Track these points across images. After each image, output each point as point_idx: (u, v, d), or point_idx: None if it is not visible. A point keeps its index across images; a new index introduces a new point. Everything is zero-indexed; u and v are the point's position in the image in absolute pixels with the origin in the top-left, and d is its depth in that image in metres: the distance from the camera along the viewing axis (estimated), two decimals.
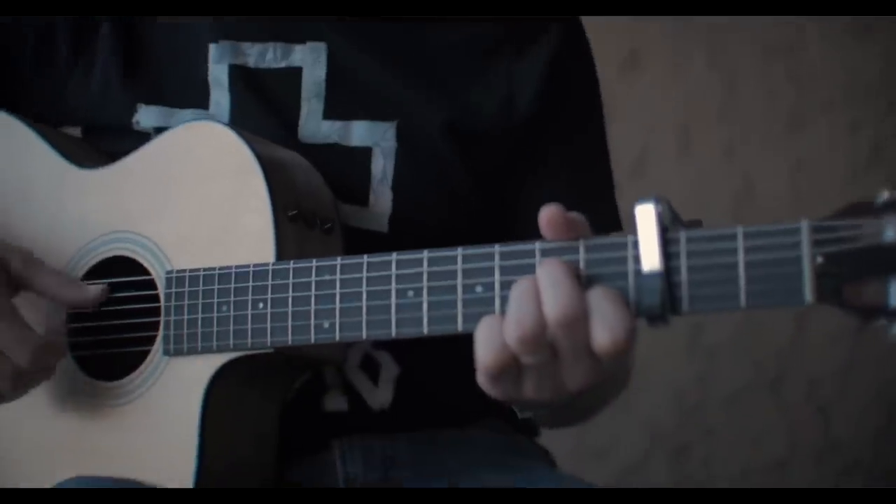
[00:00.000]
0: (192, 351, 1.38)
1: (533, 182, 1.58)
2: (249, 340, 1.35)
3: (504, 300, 1.23)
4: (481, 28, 1.57)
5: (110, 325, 1.46)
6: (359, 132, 1.52)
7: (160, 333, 1.40)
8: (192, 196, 1.42)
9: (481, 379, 1.22)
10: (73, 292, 1.43)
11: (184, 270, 1.40)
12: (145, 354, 1.43)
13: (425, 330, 1.27)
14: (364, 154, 1.51)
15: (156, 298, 1.43)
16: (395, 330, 1.28)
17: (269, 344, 1.34)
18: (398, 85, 1.54)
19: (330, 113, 1.52)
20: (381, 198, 1.51)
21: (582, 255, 1.21)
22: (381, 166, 1.51)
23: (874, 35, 2.53)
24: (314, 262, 1.33)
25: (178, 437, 1.38)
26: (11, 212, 1.52)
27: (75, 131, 1.58)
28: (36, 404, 1.47)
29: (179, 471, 1.37)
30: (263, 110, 1.51)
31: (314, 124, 1.52)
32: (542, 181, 1.58)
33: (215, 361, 1.37)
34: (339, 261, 1.32)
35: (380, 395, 1.52)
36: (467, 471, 1.51)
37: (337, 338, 1.31)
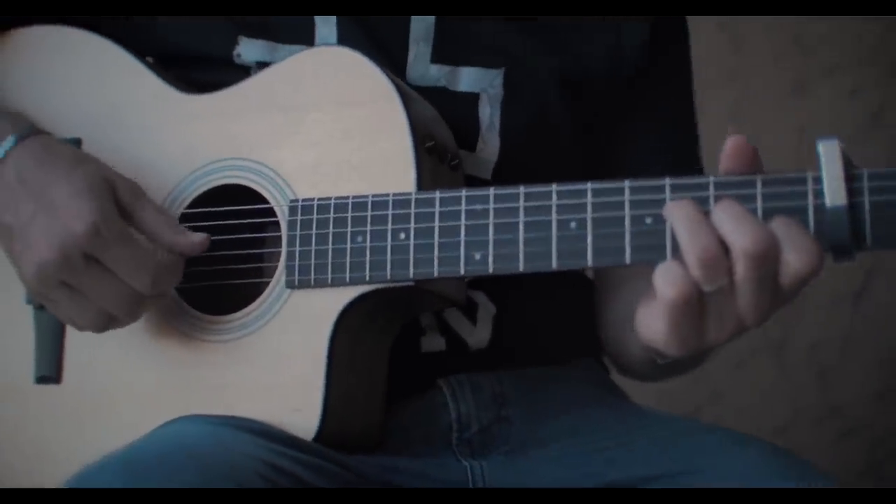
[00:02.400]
0: (321, 283, 1.30)
1: (630, 132, 1.57)
2: (389, 272, 1.28)
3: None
4: None
5: (219, 255, 1.38)
6: (467, 77, 1.47)
7: (282, 265, 1.33)
8: (320, 123, 1.35)
9: (661, 323, 1.18)
10: (175, 236, 1.34)
11: (311, 199, 1.32)
12: (255, 287, 1.36)
13: (589, 262, 1.22)
14: (471, 100, 1.46)
15: (272, 228, 1.36)
16: (555, 262, 1.23)
17: (411, 276, 1.28)
18: (508, 31, 1.49)
19: (438, 57, 1.46)
20: (489, 145, 1.47)
21: (759, 190, 1.19)
22: (489, 113, 1.47)
23: None
24: (463, 192, 1.27)
25: (301, 374, 1.30)
26: (108, 136, 1.42)
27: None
28: (133, 342, 1.38)
29: (304, 408, 1.30)
30: (371, 49, 1.42)
31: (422, 67, 1.46)
32: (638, 132, 1.57)
33: (345, 295, 1.30)
34: (491, 191, 1.26)
35: (478, 335, 1.47)
36: (575, 406, 1.48)
37: (490, 269, 1.25)
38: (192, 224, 1.37)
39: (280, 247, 1.35)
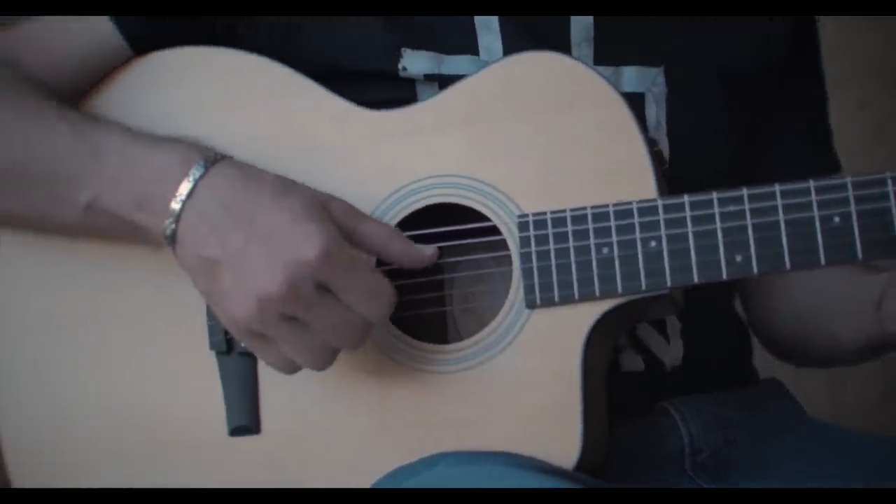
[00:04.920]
0: (567, 300, 1.24)
1: (776, 123, 1.54)
2: (644, 282, 1.22)
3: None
4: None
5: (429, 280, 1.31)
6: (629, 77, 1.42)
7: (517, 283, 1.26)
8: (538, 131, 1.28)
9: None
10: (404, 248, 1.26)
11: (543, 213, 1.25)
12: (474, 313, 1.29)
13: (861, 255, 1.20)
14: (637, 100, 1.40)
15: (495, 246, 1.29)
16: (823, 257, 1.20)
17: (668, 284, 1.22)
18: (664, 26, 1.44)
19: (601, 58, 1.41)
20: (659, 145, 1.41)
21: None
22: (654, 112, 1.42)
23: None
24: (714, 195, 1.22)
25: (554, 397, 1.23)
26: (285, 159, 1.31)
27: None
28: (340, 380, 1.28)
29: (562, 435, 1.22)
30: None
31: None
32: (785, 122, 1.55)
33: (593, 309, 1.24)
34: (745, 191, 1.22)
35: (672, 352, 1.42)
36: (787, 426, 1.44)
37: (755, 271, 1.20)
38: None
39: (497, 265, 1.29)
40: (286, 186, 1.25)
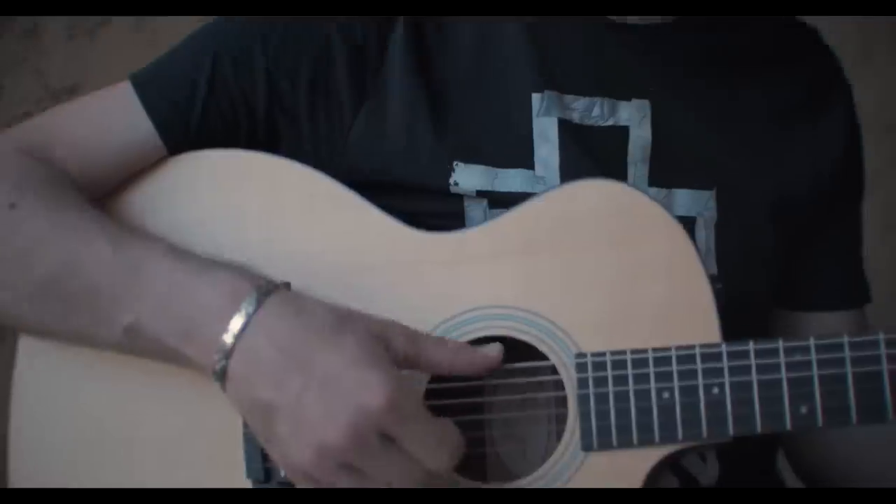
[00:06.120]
0: (625, 444, 1.21)
1: (815, 248, 1.51)
2: (704, 430, 1.20)
3: None
4: (780, 86, 1.47)
5: (477, 419, 1.27)
6: (682, 200, 1.39)
7: (572, 424, 1.23)
8: (599, 265, 1.25)
9: None
10: (471, 362, 1.21)
11: (602, 353, 1.22)
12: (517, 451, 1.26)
13: None
14: (687, 224, 1.34)
15: (550, 386, 1.26)
16: (892, 413, 1.19)
17: (730, 433, 1.20)
18: (718, 149, 1.42)
19: (655, 179, 1.38)
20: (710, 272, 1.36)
21: None
22: (704, 238, 1.39)
23: (874, 60, 2.61)
24: (780, 343, 1.20)
25: None
26: (326, 281, 1.26)
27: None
28: None
29: None
30: (592, 171, 1.34)
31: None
32: (823, 248, 1.51)
33: (651, 455, 1.21)
34: (811, 341, 1.20)
35: (709, 470, 1.40)
36: None
37: (819, 423, 1.18)
38: (448, 385, 1.25)
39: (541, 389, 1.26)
40: (342, 322, 1.19)
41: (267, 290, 1.21)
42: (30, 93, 2.12)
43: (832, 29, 2.61)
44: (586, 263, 1.25)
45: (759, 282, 1.43)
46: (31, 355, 1.33)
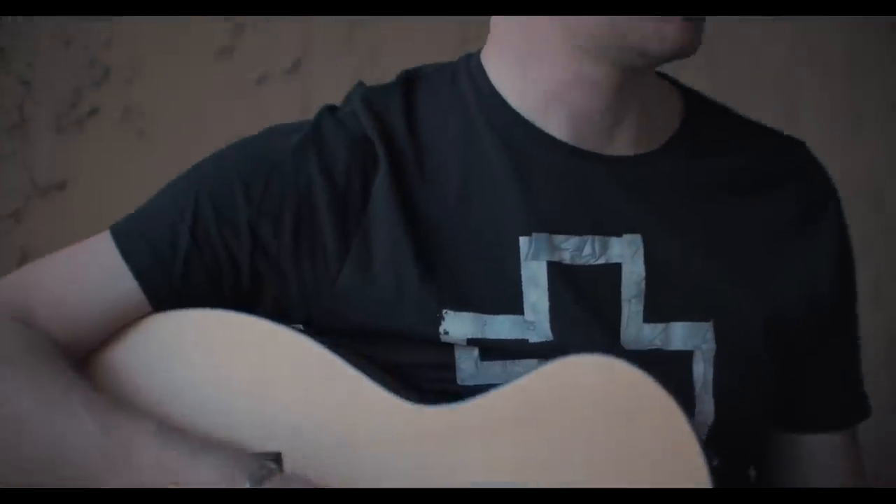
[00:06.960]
0: None
1: (812, 365, 1.48)
2: None
3: None
4: (770, 206, 1.47)
5: None
6: (678, 334, 1.37)
7: None
8: (593, 446, 1.24)
9: None
10: None
11: None
12: None
13: None
14: (684, 359, 1.36)
15: None
16: None
17: None
18: (713, 277, 1.40)
19: (650, 315, 1.37)
20: (705, 407, 1.37)
21: None
22: (702, 371, 1.37)
23: (863, 131, 2.60)
24: None
25: None
26: (315, 452, 1.26)
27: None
28: None
29: None
30: (584, 314, 1.34)
31: (635, 328, 1.36)
32: (820, 364, 1.49)
33: None
34: None
35: None
36: None
37: None
38: None
39: None
40: None
41: (260, 477, 1.21)
42: (17, 189, 2.12)
43: (820, 106, 2.61)
44: (579, 442, 1.25)
45: (756, 408, 1.42)
46: None
